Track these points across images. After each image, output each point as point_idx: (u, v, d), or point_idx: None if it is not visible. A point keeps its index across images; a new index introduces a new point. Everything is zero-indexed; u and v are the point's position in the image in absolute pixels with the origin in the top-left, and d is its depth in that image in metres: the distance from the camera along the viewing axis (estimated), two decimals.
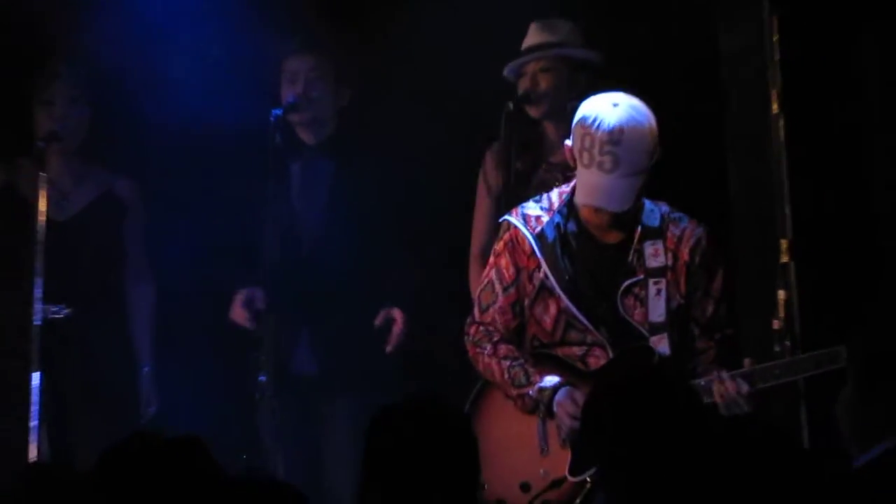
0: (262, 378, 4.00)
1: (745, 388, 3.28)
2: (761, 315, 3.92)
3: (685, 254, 3.53)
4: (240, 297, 4.13)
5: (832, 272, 3.95)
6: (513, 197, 3.79)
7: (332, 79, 4.17)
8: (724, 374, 3.30)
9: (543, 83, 4.02)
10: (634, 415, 2.48)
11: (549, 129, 4.04)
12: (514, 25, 4.16)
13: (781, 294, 3.90)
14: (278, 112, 4.04)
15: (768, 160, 4.02)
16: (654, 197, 3.49)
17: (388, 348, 4.11)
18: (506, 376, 3.47)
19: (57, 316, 4.08)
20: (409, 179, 4.23)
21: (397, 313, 4.10)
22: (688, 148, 3.98)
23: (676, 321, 3.50)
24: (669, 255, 3.53)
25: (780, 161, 3.97)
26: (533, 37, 4.06)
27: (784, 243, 3.93)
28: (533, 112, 4.02)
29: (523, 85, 4.02)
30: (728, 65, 4.18)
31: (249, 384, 4.09)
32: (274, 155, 4.07)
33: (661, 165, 3.44)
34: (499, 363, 3.49)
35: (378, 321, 4.12)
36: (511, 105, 3.94)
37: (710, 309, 3.54)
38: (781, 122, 3.99)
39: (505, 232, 3.55)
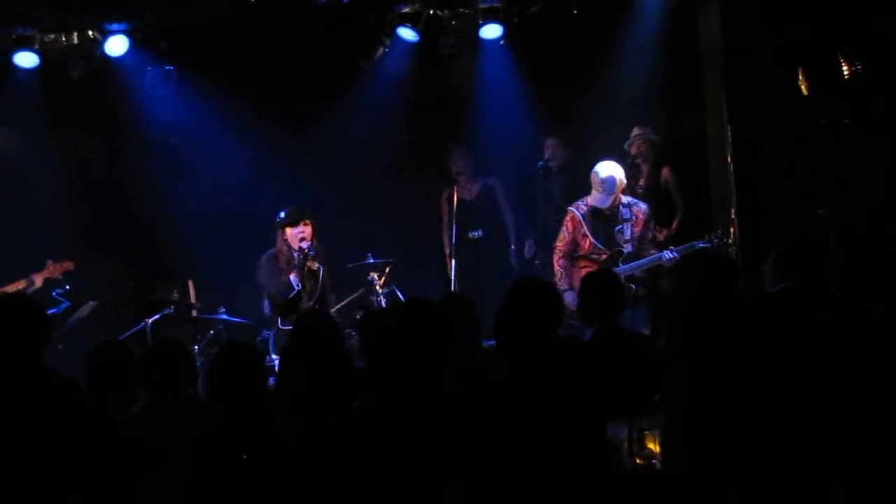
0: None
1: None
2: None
3: (640, 216, 8.61)
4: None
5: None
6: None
7: (561, 148, 10.50)
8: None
9: (642, 147, 9.97)
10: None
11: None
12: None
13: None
14: (541, 163, 10.15)
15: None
16: None
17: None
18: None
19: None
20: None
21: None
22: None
23: (635, 240, 8.63)
24: (633, 215, 8.64)
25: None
26: (636, 130, 9.99)
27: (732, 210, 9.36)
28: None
29: (633, 150, 9.91)
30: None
31: None
32: (544, 173, 10.37)
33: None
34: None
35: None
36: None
37: (650, 235, 8.70)
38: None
39: (569, 211, 8.87)
